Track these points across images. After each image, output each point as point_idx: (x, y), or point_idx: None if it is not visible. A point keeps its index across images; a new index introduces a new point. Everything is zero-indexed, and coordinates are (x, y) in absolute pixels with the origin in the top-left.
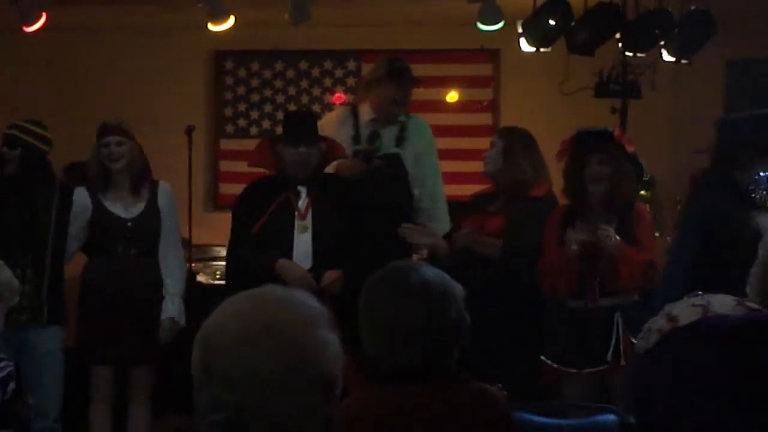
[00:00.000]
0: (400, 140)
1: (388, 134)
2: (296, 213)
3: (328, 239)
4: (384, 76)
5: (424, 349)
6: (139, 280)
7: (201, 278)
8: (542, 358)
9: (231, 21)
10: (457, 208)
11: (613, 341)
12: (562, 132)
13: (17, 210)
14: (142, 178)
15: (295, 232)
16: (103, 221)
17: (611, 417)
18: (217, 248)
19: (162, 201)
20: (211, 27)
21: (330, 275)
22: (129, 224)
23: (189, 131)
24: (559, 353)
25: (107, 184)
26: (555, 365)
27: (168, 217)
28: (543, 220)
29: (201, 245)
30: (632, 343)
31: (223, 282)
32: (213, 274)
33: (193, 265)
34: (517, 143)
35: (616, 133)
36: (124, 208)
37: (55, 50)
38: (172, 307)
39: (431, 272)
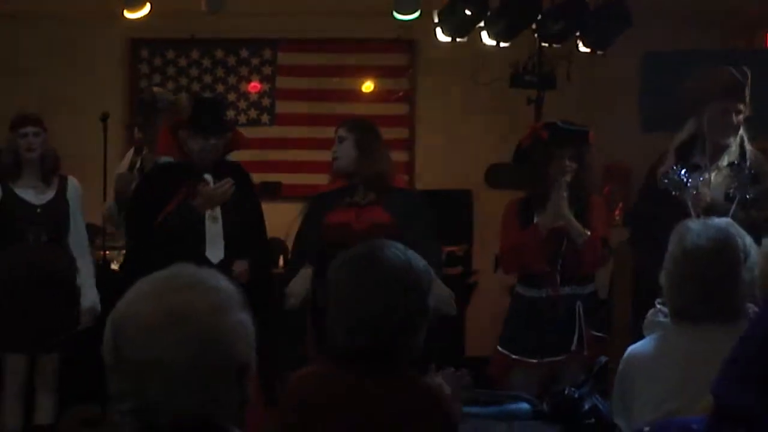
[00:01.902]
0: None
1: None
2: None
3: (237, 229)
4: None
5: (372, 337)
6: (49, 267)
7: (114, 266)
8: (498, 348)
9: (147, 9)
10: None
11: (576, 331)
12: (477, 122)
13: None
14: (52, 168)
15: (207, 221)
16: (13, 207)
17: (525, 405)
18: None
19: (70, 193)
20: (127, 14)
21: (239, 266)
22: (39, 210)
23: (104, 119)
24: (516, 343)
25: (18, 172)
26: (513, 356)
27: (75, 208)
28: (421, 213)
29: (115, 233)
30: (593, 333)
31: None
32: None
33: (106, 253)
34: (369, 136)
35: (591, 135)
36: (34, 194)
37: None
38: (91, 295)
39: (401, 255)
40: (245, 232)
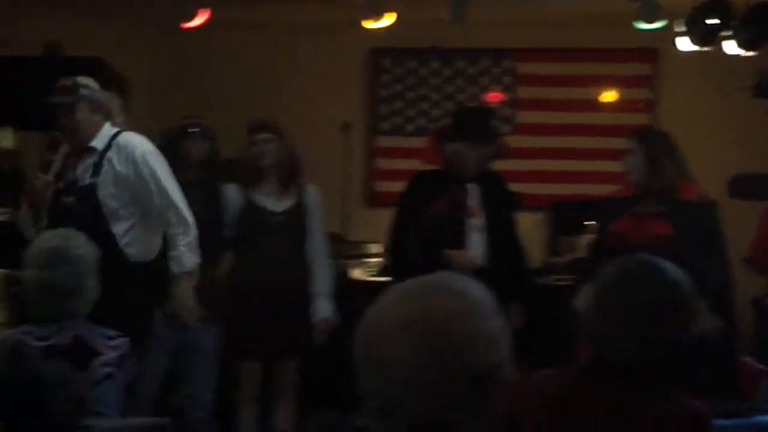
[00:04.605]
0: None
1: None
2: (468, 211)
3: (499, 240)
4: None
5: (640, 353)
6: (289, 276)
7: (355, 275)
8: (746, 359)
9: (388, 19)
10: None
11: None
12: (720, 130)
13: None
14: (291, 176)
15: (468, 231)
16: (252, 215)
17: None
18: (372, 245)
19: (310, 201)
20: (368, 24)
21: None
22: (278, 218)
23: (345, 128)
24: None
25: (257, 180)
26: (760, 366)
27: (315, 217)
28: (710, 229)
29: (356, 242)
30: None
31: (376, 278)
32: (367, 271)
33: (347, 261)
34: (658, 147)
35: None
36: (273, 202)
37: (217, 47)
38: (325, 307)
39: (669, 274)
40: (505, 243)
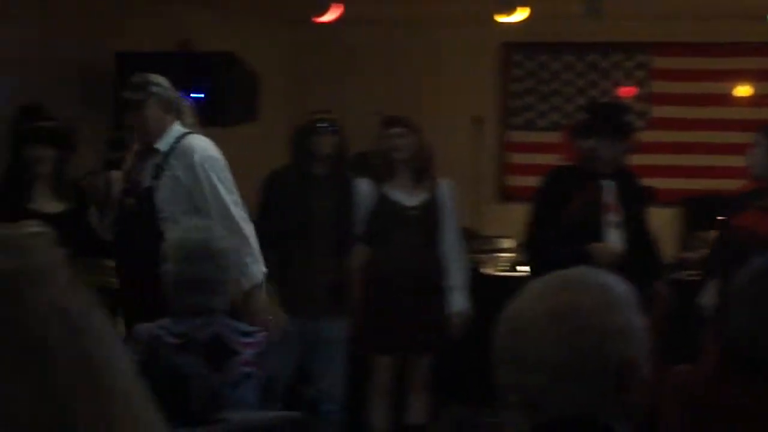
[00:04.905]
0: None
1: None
2: (605, 208)
3: (635, 236)
4: None
5: None
6: (423, 270)
7: (487, 270)
8: None
9: (521, 13)
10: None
11: None
12: None
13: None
14: (423, 170)
15: (605, 227)
16: (385, 209)
17: None
18: (504, 240)
19: (443, 195)
20: (500, 19)
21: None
22: (411, 212)
23: (477, 123)
24: None
25: (390, 174)
26: None
27: (449, 210)
28: None
29: (487, 237)
30: None
31: (508, 273)
32: (499, 266)
33: (479, 256)
34: None
35: None
36: (406, 197)
37: (349, 42)
38: (459, 301)
39: None
40: (640, 239)
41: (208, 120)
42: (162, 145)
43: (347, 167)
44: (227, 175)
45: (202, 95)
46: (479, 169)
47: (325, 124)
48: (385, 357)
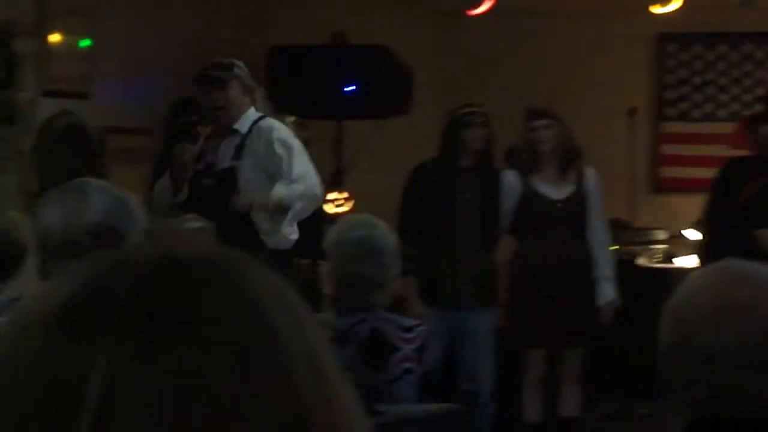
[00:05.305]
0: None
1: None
2: None
3: None
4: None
5: None
6: (571, 262)
7: (640, 261)
8: None
9: (676, 3)
10: None
11: None
12: None
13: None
14: (569, 162)
15: None
16: (533, 202)
17: None
18: (658, 232)
19: (590, 186)
20: (655, 9)
21: None
22: (559, 205)
23: (631, 113)
24: None
25: (536, 166)
26: None
27: (596, 201)
28: None
29: (641, 228)
30: None
31: (662, 265)
32: (653, 258)
33: (633, 248)
34: None
35: None
36: (552, 189)
37: (504, 34)
38: (608, 291)
39: None
40: None
41: (361, 112)
42: (241, 126)
43: (495, 160)
44: (304, 150)
45: (356, 87)
46: (633, 161)
47: (475, 117)
48: (536, 350)
